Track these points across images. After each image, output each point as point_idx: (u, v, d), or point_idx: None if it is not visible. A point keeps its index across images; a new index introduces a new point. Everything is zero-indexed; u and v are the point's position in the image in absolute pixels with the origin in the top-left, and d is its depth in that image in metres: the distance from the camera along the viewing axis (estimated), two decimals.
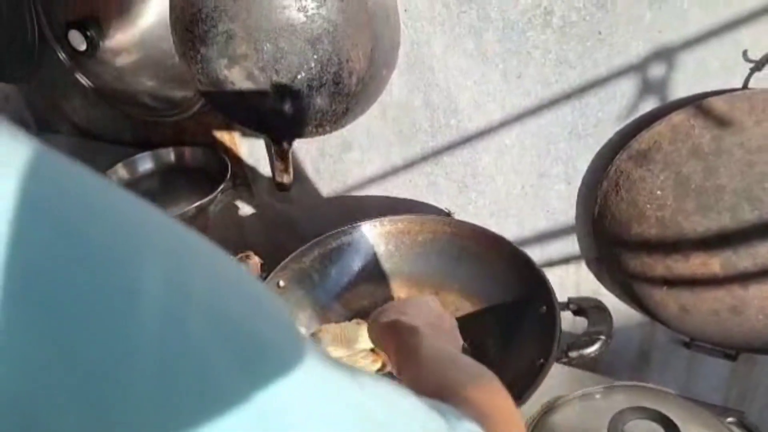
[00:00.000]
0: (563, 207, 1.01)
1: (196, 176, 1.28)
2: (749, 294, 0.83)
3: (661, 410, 0.63)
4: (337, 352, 0.82)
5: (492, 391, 0.43)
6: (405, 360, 0.53)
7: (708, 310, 0.87)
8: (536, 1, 0.85)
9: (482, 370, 0.46)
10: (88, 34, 1.05)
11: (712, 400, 1.10)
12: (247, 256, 0.88)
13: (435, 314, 0.64)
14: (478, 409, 0.37)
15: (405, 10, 0.94)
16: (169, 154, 1.31)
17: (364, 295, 0.95)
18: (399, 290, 0.96)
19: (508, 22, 0.88)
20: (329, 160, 1.17)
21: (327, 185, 1.21)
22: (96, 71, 1.19)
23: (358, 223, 0.96)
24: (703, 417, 0.67)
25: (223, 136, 1.26)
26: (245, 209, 1.36)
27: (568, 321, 0.90)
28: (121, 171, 1.28)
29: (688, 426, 0.62)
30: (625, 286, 0.97)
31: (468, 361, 0.49)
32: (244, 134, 1.25)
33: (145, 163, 1.31)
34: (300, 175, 1.22)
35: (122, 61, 1.11)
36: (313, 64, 0.85)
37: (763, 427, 1.08)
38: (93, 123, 1.45)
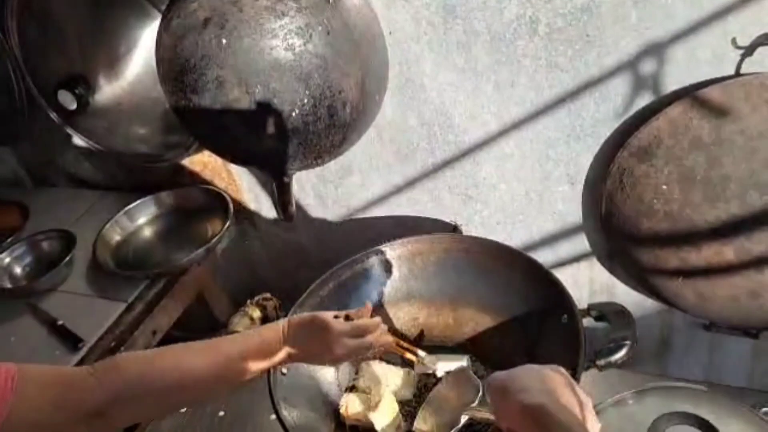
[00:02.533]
0: (569, 208, 1.02)
1: (198, 216, 1.27)
2: (766, 277, 0.83)
3: (695, 411, 0.63)
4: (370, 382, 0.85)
5: None
6: None
7: (726, 296, 0.88)
8: (521, 10, 0.85)
9: None
10: (77, 92, 1.04)
11: (737, 379, 1.11)
12: (265, 299, 0.88)
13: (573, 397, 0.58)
14: None
15: (390, 33, 0.94)
16: (169, 197, 1.31)
17: (384, 320, 0.94)
18: (417, 311, 0.96)
19: (495, 33, 0.88)
20: (330, 186, 1.17)
21: (331, 211, 1.21)
22: (88, 126, 1.19)
23: (369, 251, 0.96)
24: (738, 411, 0.67)
25: (221, 173, 1.26)
26: (252, 242, 1.36)
27: (588, 319, 0.90)
28: (122, 220, 1.28)
29: (724, 423, 0.62)
30: (640, 279, 0.98)
31: None
32: (241, 169, 1.25)
33: (147, 209, 1.30)
34: (303, 204, 1.22)
35: (113, 113, 1.11)
36: (306, 100, 0.85)
37: None
38: (89, 173, 1.44)
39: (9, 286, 1.17)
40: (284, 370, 0.83)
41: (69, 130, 1.23)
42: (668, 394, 0.71)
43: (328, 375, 0.89)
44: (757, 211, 0.79)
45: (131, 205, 1.29)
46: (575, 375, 0.72)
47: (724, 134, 0.80)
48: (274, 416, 0.78)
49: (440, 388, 0.76)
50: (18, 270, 1.23)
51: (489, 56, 0.91)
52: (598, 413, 0.74)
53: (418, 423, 0.77)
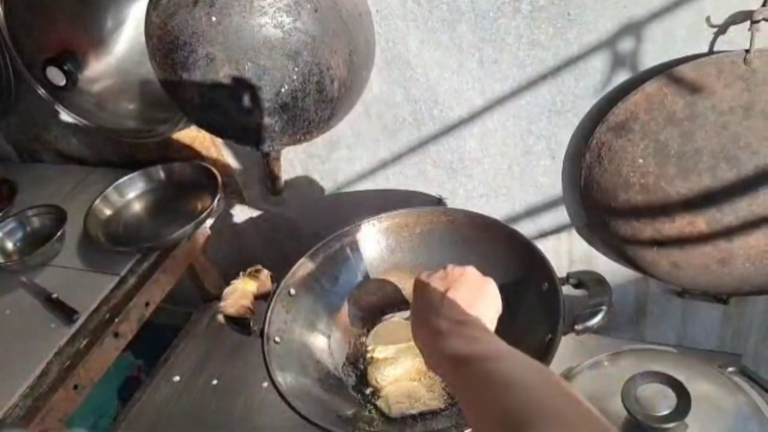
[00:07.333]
0: (550, 181, 1.05)
1: (187, 191, 1.29)
2: (734, 246, 0.88)
3: (666, 371, 0.67)
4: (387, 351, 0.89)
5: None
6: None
7: (698, 264, 0.92)
8: None
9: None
10: (66, 68, 1.05)
11: (709, 342, 1.17)
12: (257, 270, 0.91)
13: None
14: None
15: (377, 11, 0.95)
16: (159, 172, 1.32)
17: (373, 291, 0.99)
18: (404, 282, 1.00)
19: (479, 12, 0.90)
20: (318, 161, 1.20)
21: (319, 185, 1.24)
22: (76, 102, 1.19)
23: (357, 223, 0.99)
24: (706, 371, 0.72)
25: (210, 149, 1.28)
26: (240, 216, 1.39)
27: (567, 287, 0.95)
28: (112, 195, 1.29)
29: (693, 382, 0.67)
30: (617, 249, 1.02)
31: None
32: (230, 144, 1.26)
33: (136, 184, 1.32)
34: (291, 178, 1.25)
35: (102, 89, 1.12)
36: (295, 77, 0.87)
37: (759, 366, 1.15)
38: (77, 149, 1.45)
39: (1, 261, 1.18)
40: (277, 339, 0.87)
41: (58, 107, 1.23)
42: (642, 356, 0.76)
43: (320, 342, 0.93)
44: (726, 183, 0.83)
45: (120, 180, 1.30)
46: (554, 339, 0.76)
47: (697, 110, 0.83)
48: (266, 383, 0.81)
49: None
50: (9, 245, 1.24)
51: (473, 34, 0.93)
52: (575, 375, 0.79)
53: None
